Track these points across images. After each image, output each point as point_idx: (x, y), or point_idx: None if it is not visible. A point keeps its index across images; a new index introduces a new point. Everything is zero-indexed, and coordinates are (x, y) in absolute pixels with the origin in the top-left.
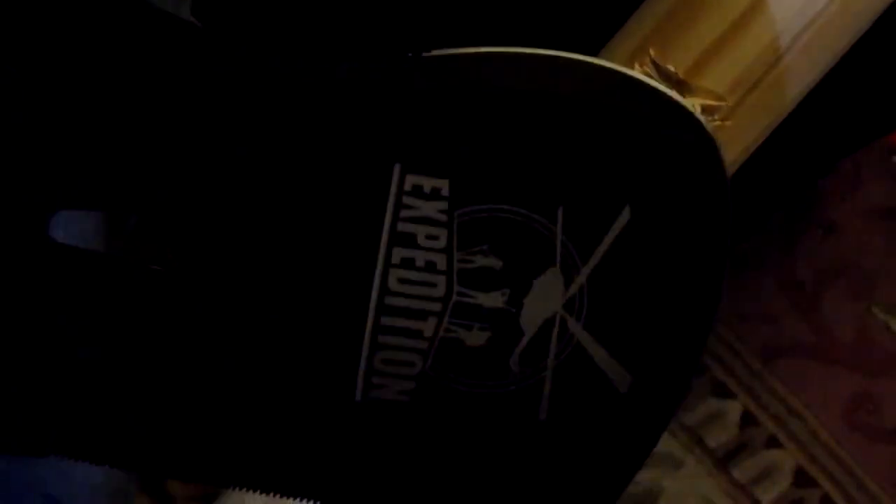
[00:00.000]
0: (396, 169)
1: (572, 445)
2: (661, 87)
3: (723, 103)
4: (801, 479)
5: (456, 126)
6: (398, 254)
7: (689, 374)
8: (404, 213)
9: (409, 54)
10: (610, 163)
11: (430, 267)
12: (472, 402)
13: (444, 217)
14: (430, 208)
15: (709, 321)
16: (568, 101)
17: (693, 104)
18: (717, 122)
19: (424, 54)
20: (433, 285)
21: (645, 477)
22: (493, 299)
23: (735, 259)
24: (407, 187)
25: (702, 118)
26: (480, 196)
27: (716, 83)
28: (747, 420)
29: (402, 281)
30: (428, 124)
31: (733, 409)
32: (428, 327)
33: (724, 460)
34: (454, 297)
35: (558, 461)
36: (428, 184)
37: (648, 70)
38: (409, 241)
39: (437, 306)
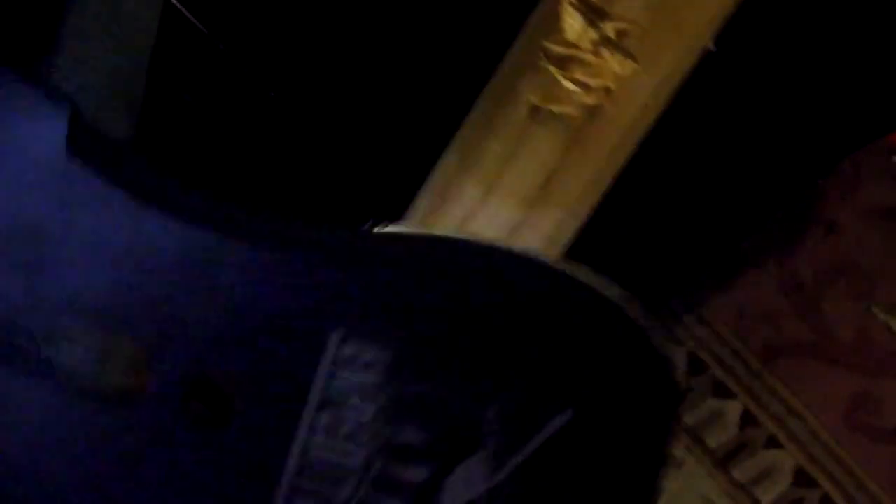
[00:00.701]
0: (335, 336)
1: None
2: (608, 292)
3: (636, 26)
4: (801, 479)
5: (404, 303)
6: (325, 419)
7: None
8: (337, 379)
9: (367, 227)
10: (554, 361)
11: (354, 435)
12: None
13: (376, 389)
14: (365, 378)
15: None
16: (517, 296)
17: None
18: (633, 45)
19: (381, 230)
20: (353, 455)
21: None
22: (414, 475)
23: (735, 259)
24: (343, 355)
25: (661, 340)
26: (417, 374)
27: (627, 8)
28: (747, 420)
29: (324, 447)
30: (377, 298)
31: (733, 409)
32: (342, 494)
33: (724, 460)
34: (375, 468)
35: None
36: (365, 354)
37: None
38: (337, 407)
39: (354, 475)
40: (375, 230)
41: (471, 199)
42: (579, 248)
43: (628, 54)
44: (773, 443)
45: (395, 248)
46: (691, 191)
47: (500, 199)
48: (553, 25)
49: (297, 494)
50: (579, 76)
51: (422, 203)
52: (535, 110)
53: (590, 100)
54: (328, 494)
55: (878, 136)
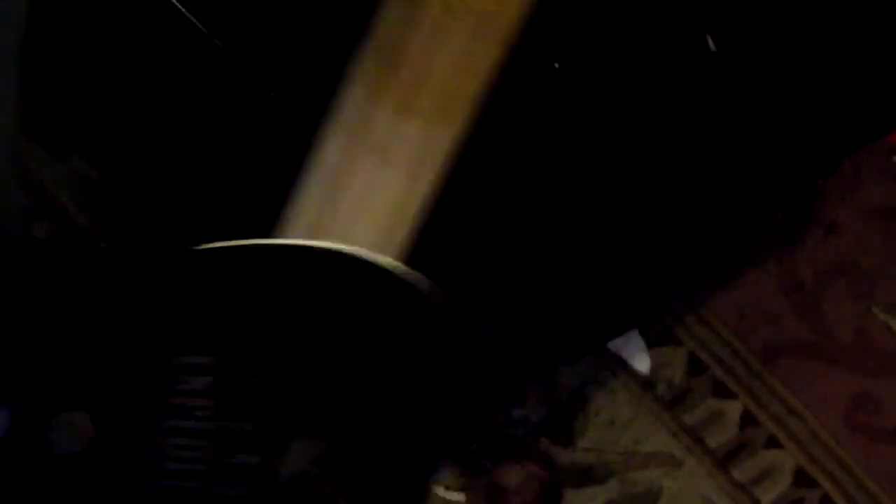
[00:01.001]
0: (172, 349)
1: None
2: (410, 276)
3: None
4: (801, 479)
5: (224, 311)
6: (172, 424)
7: None
8: (178, 387)
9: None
10: (353, 340)
11: (199, 433)
12: None
13: (213, 389)
14: (200, 383)
15: (426, 475)
16: (320, 288)
17: None
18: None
19: (194, 248)
20: (199, 449)
21: (645, 477)
22: (250, 460)
23: (735, 259)
24: (180, 364)
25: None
26: (243, 370)
27: None
28: (747, 420)
29: (175, 447)
30: (199, 310)
31: (733, 409)
32: (194, 487)
33: (724, 460)
34: (218, 458)
35: None
36: (198, 361)
37: None
38: (182, 412)
39: (202, 467)
40: (201, 247)
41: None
42: (579, 248)
43: None
44: (773, 443)
45: (222, 261)
46: (691, 191)
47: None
48: None
49: (158, 495)
50: None
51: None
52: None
53: None
54: (183, 489)
55: (878, 136)
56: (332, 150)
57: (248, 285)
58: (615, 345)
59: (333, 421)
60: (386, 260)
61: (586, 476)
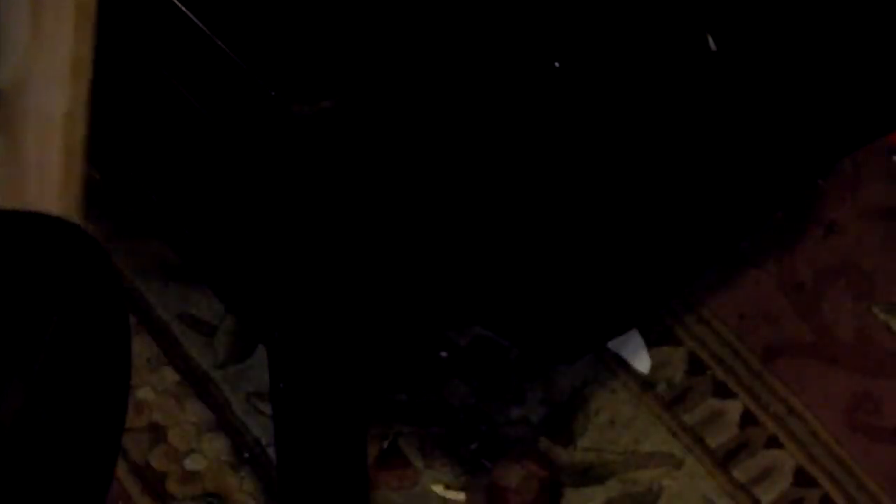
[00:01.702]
0: None
1: None
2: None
3: None
4: (801, 478)
5: None
6: None
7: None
8: None
9: None
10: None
11: None
12: None
13: None
14: None
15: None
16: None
17: None
18: None
19: None
20: None
21: (645, 477)
22: None
23: (735, 259)
24: None
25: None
26: None
27: None
28: (747, 420)
29: None
30: None
31: (733, 409)
32: None
33: (724, 460)
34: None
35: None
36: None
37: None
38: None
39: None
40: None
41: None
42: (579, 248)
43: None
44: (773, 443)
45: None
46: (691, 190)
47: None
48: None
49: None
50: None
51: None
52: None
53: None
54: None
55: (878, 136)
56: None
57: None
58: (615, 345)
59: (34, 362)
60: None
61: (586, 476)
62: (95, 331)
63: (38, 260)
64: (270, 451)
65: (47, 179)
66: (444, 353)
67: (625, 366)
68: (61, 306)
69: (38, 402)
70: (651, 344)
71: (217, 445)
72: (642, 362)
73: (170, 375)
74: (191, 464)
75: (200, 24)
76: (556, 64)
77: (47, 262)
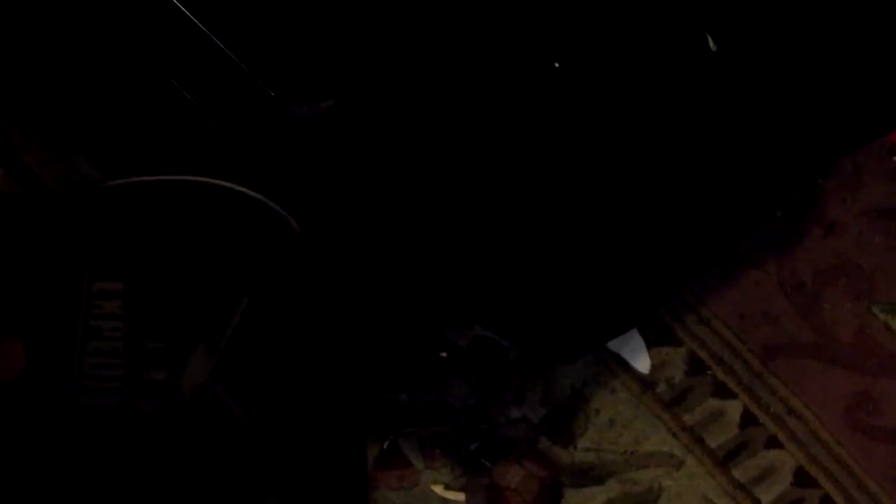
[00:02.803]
0: (86, 278)
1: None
2: (263, 199)
3: None
4: (801, 479)
5: (129, 241)
6: (91, 345)
7: (302, 414)
8: (94, 311)
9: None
10: (232, 264)
11: (114, 352)
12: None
13: (120, 311)
14: (112, 306)
15: (326, 373)
16: (204, 219)
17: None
18: None
19: (105, 185)
20: (117, 367)
21: (645, 477)
22: (159, 376)
23: (735, 259)
24: (94, 290)
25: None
26: (148, 295)
27: None
28: (747, 420)
29: (94, 367)
30: (109, 241)
31: (733, 409)
32: (113, 402)
33: (724, 460)
34: (130, 375)
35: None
36: (109, 287)
37: None
38: (98, 334)
39: (119, 385)
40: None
41: None
42: (579, 248)
43: None
44: (773, 443)
45: (123, 195)
46: (691, 190)
47: None
48: None
49: (82, 411)
50: None
51: None
52: None
53: None
54: (103, 405)
55: (878, 136)
56: None
57: (148, 217)
58: (615, 345)
59: (222, 334)
60: (255, 193)
61: (586, 476)
62: (284, 313)
63: (236, 237)
64: None
65: None
66: (444, 353)
67: (625, 366)
68: (253, 286)
69: (219, 377)
70: (651, 344)
71: None
72: (642, 362)
73: None
74: None
75: (200, 25)
76: (556, 64)
77: (244, 240)
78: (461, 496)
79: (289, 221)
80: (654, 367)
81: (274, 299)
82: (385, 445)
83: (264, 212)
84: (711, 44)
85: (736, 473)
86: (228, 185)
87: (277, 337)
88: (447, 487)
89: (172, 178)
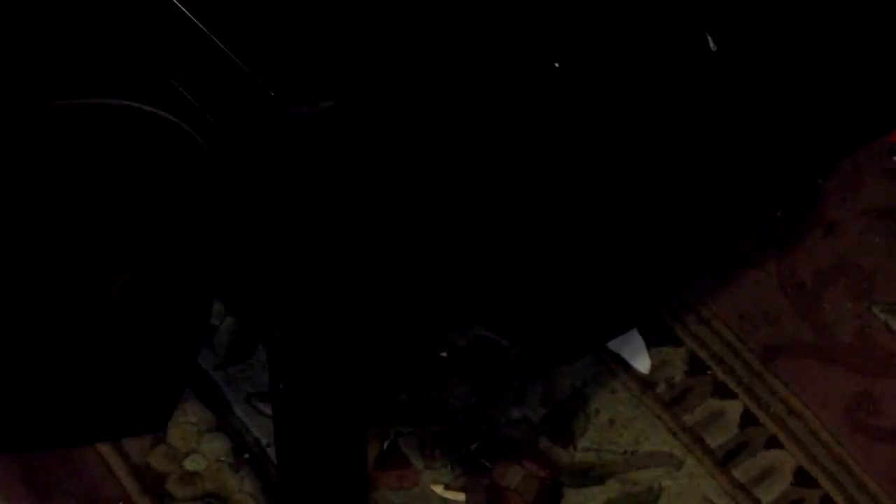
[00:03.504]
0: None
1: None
2: (178, 121)
3: None
4: (801, 479)
5: (62, 161)
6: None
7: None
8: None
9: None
10: (151, 182)
11: (46, 261)
12: None
13: (48, 224)
14: (45, 219)
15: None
16: (124, 141)
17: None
18: None
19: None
20: (50, 274)
21: (645, 477)
22: (87, 281)
23: (735, 259)
24: (26, 204)
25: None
26: (77, 208)
27: None
28: (747, 420)
29: (31, 271)
30: (45, 161)
31: (733, 409)
32: (45, 305)
33: (724, 460)
34: (61, 282)
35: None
36: (37, 201)
37: None
38: (33, 242)
39: (51, 290)
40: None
41: None
42: (579, 248)
43: None
44: (773, 443)
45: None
46: (691, 190)
47: None
48: None
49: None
50: None
51: None
52: None
53: None
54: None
55: (878, 136)
56: None
57: (74, 139)
58: (615, 345)
59: (140, 246)
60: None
61: (586, 476)
62: (192, 226)
63: (146, 155)
64: (270, 451)
65: None
66: (443, 353)
67: (625, 366)
68: (166, 202)
69: (140, 284)
70: (651, 344)
71: (217, 445)
72: (642, 362)
73: None
74: (191, 464)
75: (200, 25)
76: (556, 64)
77: (154, 157)
78: (461, 496)
79: (202, 144)
80: (654, 367)
81: (187, 213)
82: (385, 445)
83: (179, 134)
84: (711, 44)
85: (736, 473)
86: (147, 108)
87: (190, 245)
88: (447, 487)
89: (93, 102)
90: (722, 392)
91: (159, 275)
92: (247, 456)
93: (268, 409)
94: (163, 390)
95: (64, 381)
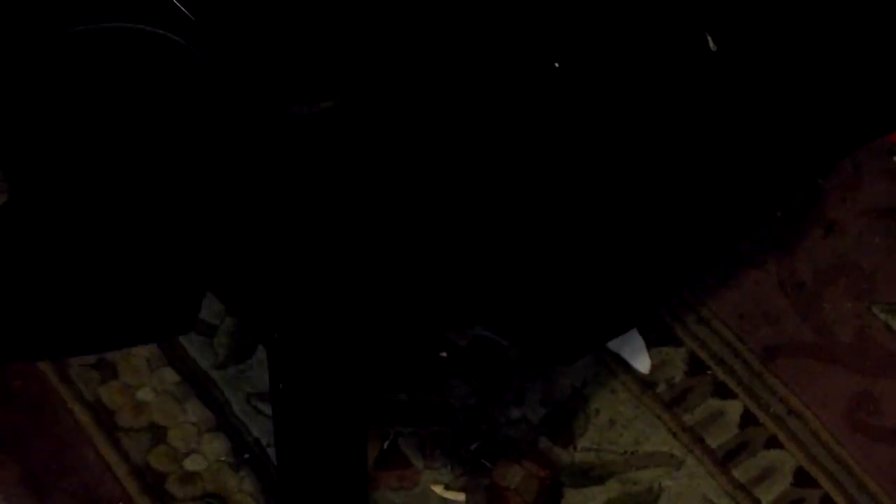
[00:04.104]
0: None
1: None
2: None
3: None
4: (801, 478)
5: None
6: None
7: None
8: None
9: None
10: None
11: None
12: None
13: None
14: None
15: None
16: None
17: None
18: None
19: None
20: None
21: (645, 477)
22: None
23: (735, 259)
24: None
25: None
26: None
27: None
28: (747, 420)
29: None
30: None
31: (733, 409)
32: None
33: (724, 460)
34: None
35: None
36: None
37: None
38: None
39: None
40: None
41: None
42: (579, 248)
43: None
44: (773, 443)
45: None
46: (691, 190)
47: None
48: None
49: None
50: None
51: None
52: None
53: None
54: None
55: (878, 136)
56: None
57: (83, 63)
58: (615, 345)
59: (158, 158)
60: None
61: (586, 476)
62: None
63: (157, 76)
64: (270, 451)
65: None
66: (444, 353)
67: (625, 366)
68: (176, 116)
69: (162, 191)
70: (651, 344)
71: (217, 445)
72: (642, 362)
73: (170, 376)
74: (191, 464)
75: (199, 25)
76: (556, 64)
77: (164, 78)
78: (461, 496)
79: (195, 53)
80: (654, 367)
81: (191, 127)
82: (385, 445)
83: (175, 47)
84: (711, 44)
85: (736, 473)
86: (141, 27)
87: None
88: (447, 487)
89: (92, 27)
90: (722, 392)
91: (176, 184)
92: (247, 456)
93: (268, 409)
94: (187, 290)
95: (98, 282)
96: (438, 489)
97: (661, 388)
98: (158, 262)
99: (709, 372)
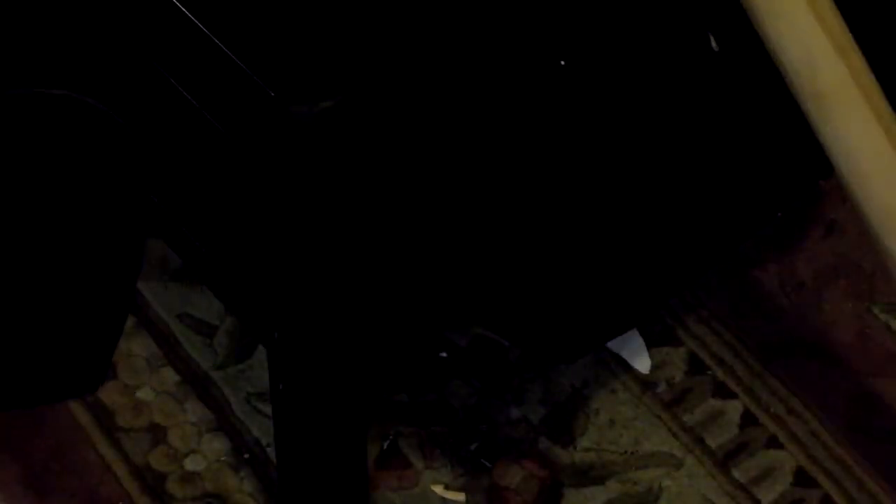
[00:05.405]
0: None
1: None
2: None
3: None
4: (801, 479)
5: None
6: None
7: None
8: None
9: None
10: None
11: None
12: None
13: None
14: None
15: None
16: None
17: None
18: None
19: None
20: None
21: (645, 477)
22: None
23: (735, 259)
24: None
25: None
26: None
27: None
28: (747, 420)
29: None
30: None
31: (733, 409)
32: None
33: (724, 460)
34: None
35: None
36: None
37: None
38: None
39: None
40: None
41: None
42: (579, 248)
43: None
44: (773, 443)
45: None
46: (692, 190)
47: None
48: None
49: None
50: None
51: None
52: None
53: None
54: None
55: None
56: None
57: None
58: (615, 345)
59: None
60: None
61: (586, 476)
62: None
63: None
64: (270, 451)
65: None
66: (444, 353)
67: (625, 366)
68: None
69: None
70: (651, 344)
71: (217, 446)
72: (642, 362)
73: (170, 376)
74: (191, 464)
75: (199, 25)
76: (562, 62)
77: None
78: (461, 496)
79: (113, 116)
80: (654, 367)
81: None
82: (385, 445)
83: (90, 111)
84: (714, 44)
85: (736, 473)
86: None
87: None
88: (447, 487)
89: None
90: (722, 392)
91: (86, 250)
92: (247, 456)
93: (268, 409)
94: (95, 350)
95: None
96: (438, 489)
97: (661, 388)
98: (64, 324)
99: (709, 372)
